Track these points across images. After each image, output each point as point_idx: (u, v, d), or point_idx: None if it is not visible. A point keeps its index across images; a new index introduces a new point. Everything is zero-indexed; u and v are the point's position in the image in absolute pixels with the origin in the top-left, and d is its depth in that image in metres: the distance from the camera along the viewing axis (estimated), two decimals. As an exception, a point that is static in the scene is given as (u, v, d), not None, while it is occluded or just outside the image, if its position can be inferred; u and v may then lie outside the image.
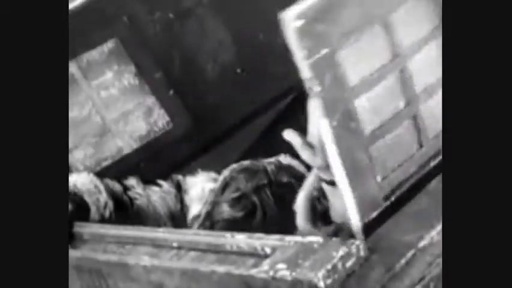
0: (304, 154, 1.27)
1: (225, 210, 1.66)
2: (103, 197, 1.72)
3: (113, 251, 1.50)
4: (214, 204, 1.68)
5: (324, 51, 1.07)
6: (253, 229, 1.62)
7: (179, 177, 1.91)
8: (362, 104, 1.14)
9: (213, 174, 1.88)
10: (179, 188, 1.88)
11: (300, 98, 2.55)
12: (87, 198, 1.69)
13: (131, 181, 1.83)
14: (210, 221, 1.68)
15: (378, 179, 1.15)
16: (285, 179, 1.67)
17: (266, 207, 1.64)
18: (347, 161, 1.10)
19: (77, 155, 2.31)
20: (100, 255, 1.48)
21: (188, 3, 2.53)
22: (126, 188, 1.81)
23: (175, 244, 1.40)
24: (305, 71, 1.06)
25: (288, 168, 1.70)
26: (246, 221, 1.65)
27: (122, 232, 1.52)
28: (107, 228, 1.57)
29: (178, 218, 1.85)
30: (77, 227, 1.61)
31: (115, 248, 1.50)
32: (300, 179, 1.67)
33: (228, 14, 2.59)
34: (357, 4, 1.10)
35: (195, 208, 1.82)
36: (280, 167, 1.69)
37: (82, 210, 1.67)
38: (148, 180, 1.88)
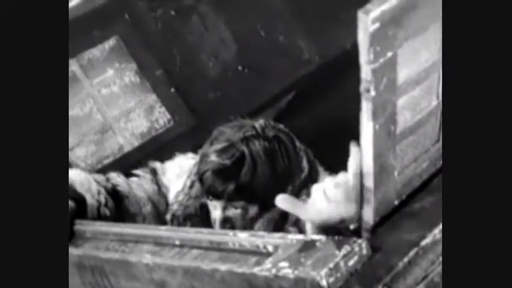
0: (305, 213, 1.21)
1: (213, 160, 1.64)
2: (103, 193, 1.72)
3: (116, 249, 1.49)
4: (203, 157, 1.67)
5: (389, 54, 1.06)
6: (242, 179, 1.61)
7: (157, 163, 1.90)
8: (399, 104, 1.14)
9: (190, 154, 1.87)
10: (154, 173, 1.87)
11: (301, 95, 2.56)
12: (87, 195, 1.68)
13: (112, 174, 1.83)
14: (198, 175, 1.66)
15: (396, 176, 1.15)
16: (271, 133, 1.67)
17: (255, 157, 1.62)
18: (378, 163, 1.10)
19: (78, 153, 2.32)
20: (102, 253, 1.48)
21: (189, 1, 2.53)
22: (108, 179, 1.80)
23: (177, 242, 1.39)
24: (366, 74, 1.05)
25: (275, 126, 1.71)
26: (235, 170, 1.62)
27: (124, 230, 1.52)
28: (109, 226, 1.57)
29: (157, 201, 1.83)
30: (78, 225, 1.61)
31: (117, 246, 1.50)
32: (287, 134, 1.69)
33: (229, 11, 2.60)
34: (420, 7, 1.09)
35: (175, 185, 1.81)
36: (267, 124, 1.69)
37: (80, 208, 1.67)
38: (127, 173, 1.88)
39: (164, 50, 2.47)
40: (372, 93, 1.05)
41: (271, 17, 2.68)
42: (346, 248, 1.10)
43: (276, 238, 1.21)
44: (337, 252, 1.09)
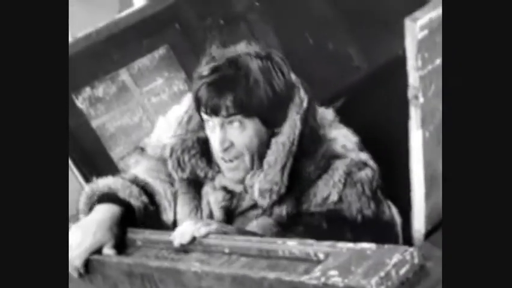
0: None
1: (207, 75, 1.62)
2: (142, 194, 1.72)
3: (165, 257, 1.50)
4: (197, 77, 1.64)
5: (437, 61, 1.05)
6: (238, 91, 1.58)
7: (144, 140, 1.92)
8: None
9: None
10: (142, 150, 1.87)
11: (350, 102, 2.54)
12: (131, 200, 1.69)
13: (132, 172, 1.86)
14: (194, 94, 1.65)
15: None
16: (264, 53, 1.65)
17: (250, 71, 1.60)
18: (428, 171, 1.09)
19: (128, 162, 2.34)
20: (152, 261, 1.49)
21: (238, 9, 2.54)
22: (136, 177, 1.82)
23: (226, 250, 1.39)
24: (415, 81, 1.04)
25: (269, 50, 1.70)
26: (231, 82, 1.60)
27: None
28: (159, 234, 1.58)
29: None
30: (130, 233, 1.62)
31: (167, 254, 1.51)
32: (282, 59, 1.67)
33: (277, 19, 2.60)
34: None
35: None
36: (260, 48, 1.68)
37: (128, 213, 1.68)
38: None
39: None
40: (421, 99, 1.04)
41: (319, 25, 2.67)
42: (397, 257, 1.08)
43: (326, 246, 1.20)
44: (388, 260, 1.08)
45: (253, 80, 1.60)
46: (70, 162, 2.21)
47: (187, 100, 1.79)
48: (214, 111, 1.62)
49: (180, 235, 1.49)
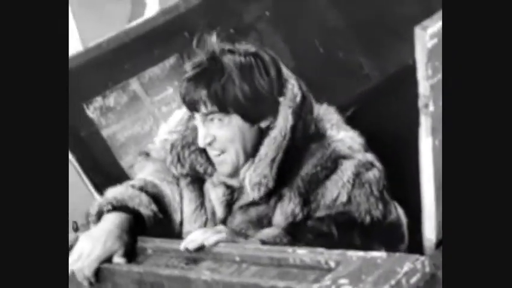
0: None
1: (188, 71, 1.65)
2: (151, 201, 1.73)
3: (175, 265, 1.50)
4: (183, 73, 1.67)
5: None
6: (212, 86, 1.60)
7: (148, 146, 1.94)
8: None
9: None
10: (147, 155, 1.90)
11: (360, 110, 2.53)
12: (140, 208, 1.69)
13: (140, 177, 1.87)
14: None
15: None
16: (252, 50, 1.68)
17: (227, 67, 1.62)
18: (438, 179, 1.09)
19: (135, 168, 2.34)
20: (162, 269, 1.49)
21: (249, 19, 2.54)
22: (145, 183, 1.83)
23: (236, 258, 1.39)
24: (425, 89, 1.04)
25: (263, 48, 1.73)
26: (207, 78, 1.62)
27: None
28: (169, 243, 1.58)
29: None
30: (140, 242, 1.62)
31: (177, 262, 1.51)
32: (273, 58, 1.70)
33: (287, 28, 2.60)
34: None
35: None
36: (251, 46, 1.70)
37: (138, 222, 1.68)
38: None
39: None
40: (431, 108, 1.04)
41: (329, 34, 2.67)
42: (408, 265, 1.07)
43: (336, 254, 1.20)
44: (399, 269, 1.07)
45: (227, 76, 1.62)
46: (80, 171, 2.22)
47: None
48: (194, 107, 1.65)
49: (189, 241, 1.50)
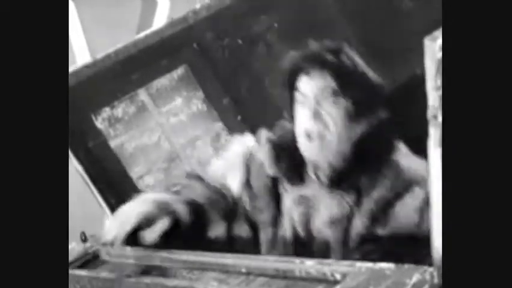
0: None
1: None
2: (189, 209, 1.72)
3: (183, 276, 1.50)
4: None
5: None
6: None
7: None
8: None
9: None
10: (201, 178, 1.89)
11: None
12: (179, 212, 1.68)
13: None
14: None
15: None
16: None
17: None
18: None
19: (147, 181, 2.34)
20: (170, 280, 1.48)
21: (257, 30, 2.55)
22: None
23: (243, 270, 1.39)
24: (434, 101, 1.04)
25: None
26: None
27: (191, 257, 1.53)
28: (176, 254, 1.58)
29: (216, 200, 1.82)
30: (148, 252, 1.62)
31: (184, 273, 1.50)
32: None
33: (295, 39, 2.60)
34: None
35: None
36: None
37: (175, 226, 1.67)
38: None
39: (230, 78, 2.49)
40: (440, 119, 1.04)
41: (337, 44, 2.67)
42: (417, 277, 1.07)
43: (344, 266, 1.19)
44: (407, 280, 1.07)
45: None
46: (89, 181, 2.22)
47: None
48: None
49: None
